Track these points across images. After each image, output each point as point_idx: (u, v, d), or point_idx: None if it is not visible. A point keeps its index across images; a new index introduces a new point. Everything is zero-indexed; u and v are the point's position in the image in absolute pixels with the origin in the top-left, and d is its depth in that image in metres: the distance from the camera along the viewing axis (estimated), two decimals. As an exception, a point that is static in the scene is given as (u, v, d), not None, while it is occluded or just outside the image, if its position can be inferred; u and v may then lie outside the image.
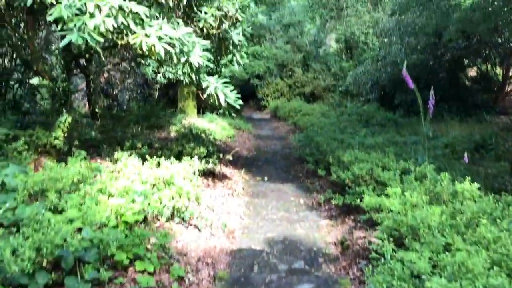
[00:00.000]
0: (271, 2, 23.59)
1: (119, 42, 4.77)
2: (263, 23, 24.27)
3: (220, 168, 8.04)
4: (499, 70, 17.67)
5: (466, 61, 17.09)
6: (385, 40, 20.48)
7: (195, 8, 5.72)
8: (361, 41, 23.19)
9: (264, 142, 13.09)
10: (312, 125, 13.27)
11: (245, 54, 6.44)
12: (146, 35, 4.49)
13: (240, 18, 6.04)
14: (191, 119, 14.36)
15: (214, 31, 5.86)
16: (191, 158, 6.38)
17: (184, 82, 7.08)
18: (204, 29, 5.73)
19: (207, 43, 5.31)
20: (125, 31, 4.53)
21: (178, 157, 7.07)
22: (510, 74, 17.36)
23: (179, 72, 5.19)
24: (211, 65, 5.56)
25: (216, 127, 12.60)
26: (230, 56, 6.41)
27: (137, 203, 4.06)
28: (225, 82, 5.49)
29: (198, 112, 15.69)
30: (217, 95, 5.30)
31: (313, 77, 22.07)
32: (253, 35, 6.48)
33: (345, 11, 24.75)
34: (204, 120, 14.09)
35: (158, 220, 4.51)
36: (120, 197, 4.09)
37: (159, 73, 11.30)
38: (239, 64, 6.38)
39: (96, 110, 11.68)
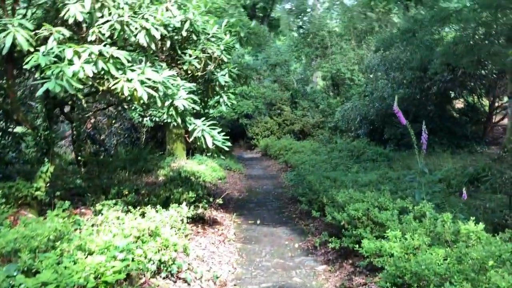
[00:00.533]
0: (257, 43, 23.96)
1: (100, 88, 4.59)
2: (250, 63, 24.62)
3: (211, 213, 7.74)
4: (485, 101, 17.85)
5: (452, 94, 17.22)
6: (371, 75, 20.76)
7: (179, 51, 5.60)
8: (347, 77, 23.45)
9: (256, 182, 12.83)
10: (303, 163, 13.09)
11: (233, 95, 6.30)
12: (127, 79, 4.32)
13: (225, 59, 5.93)
14: (180, 161, 14.10)
15: (200, 73, 5.73)
16: (179, 204, 6.10)
17: (172, 125, 6.90)
18: (189, 72, 5.60)
19: (192, 85, 5.16)
20: (106, 77, 4.36)
21: (166, 203, 6.78)
22: (496, 104, 17.54)
23: (165, 115, 4.97)
24: (197, 107, 5.38)
25: (206, 169, 12.34)
26: (217, 98, 6.25)
27: (119, 260, 3.75)
28: (212, 124, 5.30)
29: (188, 154, 15.44)
30: (204, 138, 5.09)
31: (302, 114, 22.10)
32: (240, 76, 6.34)
33: (330, 49, 25.15)
34: (193, 162, 13.83)
35: (143, 276, 4.18)
36: (101, 253, 3.78)
37: (145, 116, 11.13)
38: (226, 105, 6.23)
39: (82, 156, 11.42)
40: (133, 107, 11.12)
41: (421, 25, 12.96)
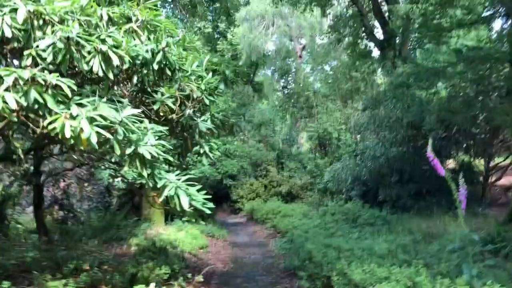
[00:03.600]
0: (241, 103, 23.32)
1: (37, 129, 3.38)
2: (237, 122, 23.75)
3: (189, 293, 6.29)
4: (480, 161, 17.06)
5: (447, 152, 16.40)
6: (359, 135, 20.03)
7: (148, 89, 4.49)
8: (334, 137, 22.72)
9: (242, 251, 11.37)
10: (294, 228, 11.81)
11: (215, 145, 5.14)
12: (71, 116, 3.14)
13: (207, 102, 4.83)
14: (158, 228, 12.66)
15: (175, 116, 4.58)
16: (146, 285, 4.71)
17: (147, 187, 5.65)
18: (161, 113, 4.45)
19: (163, 129, 3.99)
20: (41, 112, 3.17)
21: (131, 282, 5.37)
22: (491, 164, 16.74)
23: (127, 167, 3.74)
24: (170, 158, 4.18)
25: (185, 237, 10.92)
26: (197, 148, 5.07)
27: None
28: (190, 180, 4.08)
29: (166, 220, 13.98)
30: (179, 197, 3.85)
31: (289, 175, 21.00)
32: (224, 123, 5.21)
33: (316, 109, 24.63)
34: (172, 229, 12.39)
35: None
36: None
37: (117, 177, 9.82)
38: (207, 157, 5.03)
39: (42, 224, 9.93)
40: (103, 167, 9.81)
41: (415, 79, 12.28)
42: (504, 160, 17.02)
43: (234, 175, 18.68)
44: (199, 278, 6.22)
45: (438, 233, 10.51)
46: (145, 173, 3.72)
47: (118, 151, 3.50)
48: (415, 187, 14.84)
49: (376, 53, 24.20)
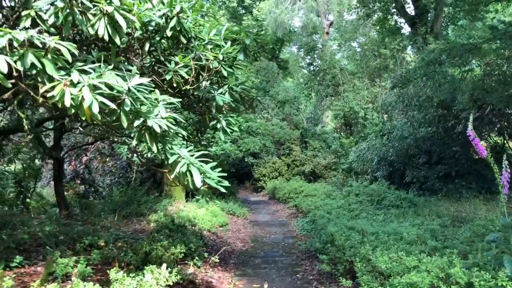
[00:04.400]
0: (266, 80, 22.84)
1: (38, 97, 3.13)
2: (257, 96, 23.32)
3: (206, 273, 6.08)
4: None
5: (479, 134, 15.68)
6: (387, 114, 19.39)
7: (161, 57, 4.17)
8: (360, 116, 22.10)
9: (262, 230, 11.16)
10: (316, 208, 11.49)
11: (234, 120, 4.81)
12: (71, 83, 2.86)
13: (225, 74, 4.50)
14: (178, 204, 12.55)
15: (189, 87, 4.26)
16: (159, 264, 4.51)
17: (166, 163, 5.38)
18: (174, 84, 4.14)
19: (176, 101, 3.69)
20: (39, 78, 2.91)
21: (144, 261, 5.18)
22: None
23: (135, 140, 3.46)
24: (183, 132, 3.90)
25: (205, 214, 10.75)
26: (213, 123, 4.75)
27: None
28: (205, 156, 3.78)
29: (187, 196, 13.87)
30: (191, 174, 3.56)
31: (313, 155, 20.58)
32: (244, 97, 4.88)
33: (342, 87, 23.96)
34: (192, 206, 12.26)
35: None
36: None
37: (136, 152, 9.64)
38: (225, 132, 4.71)
39: (63, 198, 9.91)
40: (120, 141, 9.68)
41: (448, 55, 11.60)
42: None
43: (256, 153, 18.40)
44: (215, 258, 5.99)
45: (468, 218, 10.05)
46: (154, 148, 3.44)
47: (125, 124, 3.23)
48: (444, 169, 14.28)
49: (406, 29, 23.29)
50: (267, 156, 20.40)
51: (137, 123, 3.30)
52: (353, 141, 20.92)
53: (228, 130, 4.73)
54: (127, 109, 3.18)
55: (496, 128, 15.84)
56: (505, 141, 16.15)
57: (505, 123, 15.47)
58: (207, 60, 4.26)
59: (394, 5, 21.90)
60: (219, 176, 3.92)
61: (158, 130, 3.32)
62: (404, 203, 12.15)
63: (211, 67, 4.35)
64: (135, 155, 10.11)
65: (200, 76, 4.35)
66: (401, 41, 23.57)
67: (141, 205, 11.94)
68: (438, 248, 4.43)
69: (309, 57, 26.78)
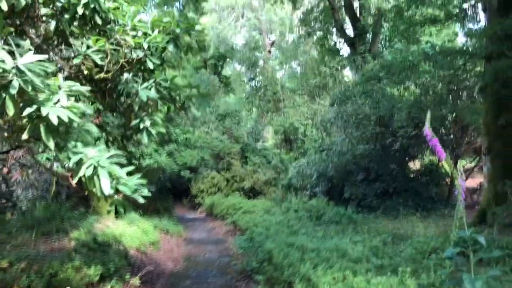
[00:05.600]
0: (204, 95, 22.27)
1: None
2: (195, 114, 22.66)
3: (126, 297, 5.33)
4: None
5: (414, 152, 16.00)
6: (326, 131, 19.46)
7: (70, 39, 3.51)
8: (300, 132, 22.10)
9: (197, 249, 10.46)
10: (255, 225, 10.97)
11: (160, 120, 4.18)
12: None
13: (151, 65, 3.90)
14: (107, 221, 11.55)
15: (103, 75, 3.61)
16: (65, 290, 3.75)
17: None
18: (85, 71, 3.48)
19: (84, 89, 3.03)
20: None
21: (50, 284, 4.38)
22: (458, 165, 16.46)
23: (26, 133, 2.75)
24: (93, 128, 3.24)
25: (135, 232, 9.89)
26: (136, 122, 4.10)
27: None
28: (115, 156, 3.14)
29: (116, 212, 12.84)
30: (99, 178, 2.91)
31: (253, 170, 20.15)
32: (174, 98, 4.29)
33: (283, 103, 23.93)
34: (122, 223, 11.32)
35: None
36: None
37: (57, 160, 8.67)
38: (149, 134, 4.08)
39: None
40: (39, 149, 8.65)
41: (387, 72, 11.69)
42: (471, 162, 16.85)
43: (194, 167, 17.69)
44: (135, 280, 5.26)
45: (406, 235, 9.95)
46: (51, 144, 2.76)
47: (11, 111, 2.54)
48: (381, 186, 14.35)
49: (346, 50, 23.79)
50: (206, 170, 19.72)
51: (28, 111, 2.62)
52: (293, 157, 20.81)
53: (154, 132, 4.10)
54: (13, 92, 2.49)
55: (431, 147, 16.24)
56: (439, 160, 16.58)
57: (440, 142, 15.91)
58: (129, 47, 3.63)
59: (334, 24, 22.31)
60: (137, 184, 3.29)
61: (55, 121, 2.65)
62: (344, 220, 11.95)
63: (134, 56, 3.73)
64: (57, 162, 9.15)
65: (119, 65, 3.72)
66: (340, 61, 24.03)
67: (64, 221, 10.84)
68: (384, 266, 4.05)
69: (250, 72, 26.60)
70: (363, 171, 14.86)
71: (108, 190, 2.89)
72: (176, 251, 9.99)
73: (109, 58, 3.48)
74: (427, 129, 2.72)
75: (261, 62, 27.12)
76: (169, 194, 17.72)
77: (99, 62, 3.41)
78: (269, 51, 31.28)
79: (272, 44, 31.77)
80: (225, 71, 35.59)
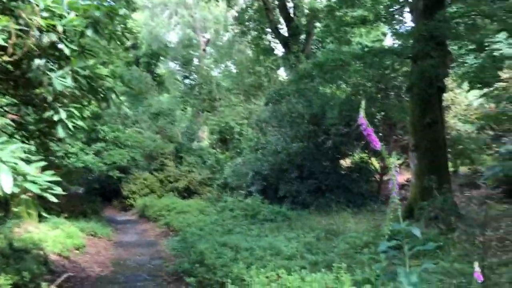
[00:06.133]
0: (137, 93, 21.55)
1: None
2: (128, 113, 21.88)
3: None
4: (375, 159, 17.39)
5: (346, 149, 16.42)
6: (262, 130, 19.49)
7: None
8: (236, 132, 21.98)
9: (127, 252, 9.96)
10: (189, 225, 10.67)
11: (77, 112, 3.80)
12: None
13: (67, 52, 3.52)
14: (28, 226, 10.71)
15: (7, 59, 3.20)
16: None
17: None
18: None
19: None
20: None
21: None
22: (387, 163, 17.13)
23: None
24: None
25: (58, 236, 9.22)
26: (49, 113, 3.69)
27: None
28: (17, 149, 2.75)
29: (40, 216, 11.95)
30: (-1, 175, 2.52)
31: (188, 170, 19.72)
32: (95, 88, 3.93)
33: (218, 102, 23.69)
34: (45, 227, 10.54)
35: None
36: None
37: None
38: (65, 128, 3.69)
39: None
40: None
41: (320, 70, 11.83)
42: (398, 159, 17.56)
43: (124, 167, 16.96)
44: (53, 289, 4.82)
45: (339, 231, 10.14)
46: None
47: None
48: (314, 183, 14.59)
49: (280, 49, 23.98)
50: (138, 171, 19.01)
51: None
52: (229, 156, 20.64)
53: (70, 125, 3.71)
54: None
55: (361, 145, 16.77)
56: (369, 157, 17.14)
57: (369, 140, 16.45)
58: (39, 29, 3.25)
59: (268, 24, 22.40)
60: (50, 182, 2.93)
61: None
62: (278, 217, 12.00)
63: (45, 41, 3.34)
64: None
65: (27, 49, 3.32)
66: (275, 60, 24.22)
67: (-23, 227, 9.89)
68: (319, 263, 3.96)
69: (185, 70, 26.08)
70: (297, 169, 15.02)
71: (9, 188, 2.51)
72: (104, 255, 9.44)
73: (13, 39, 3.08)
74: (362, 118, 2.61)
75: (195, 61, 26.69)
76: (98, 195, 16.84)
77: (1, 42, 3.00)
78: (204, 50, 30.89)
79: (207, 42, 31.39)
80: (159, 69, 34.77)
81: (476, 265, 2.36)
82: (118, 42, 4.43)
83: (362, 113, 2.61)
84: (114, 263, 8.60)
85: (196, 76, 24.60)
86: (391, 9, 12.71)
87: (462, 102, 17.86)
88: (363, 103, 2.75)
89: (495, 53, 16.08)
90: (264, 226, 10.28)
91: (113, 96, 4.26)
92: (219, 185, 18.17)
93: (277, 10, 22.08)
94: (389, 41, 22.97)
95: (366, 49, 11.74)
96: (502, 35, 16.15)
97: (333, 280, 2.95)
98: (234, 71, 26.32)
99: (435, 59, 9.73)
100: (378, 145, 2.55)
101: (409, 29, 11.73)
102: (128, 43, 32.44)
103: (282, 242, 5.66)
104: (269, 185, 15.40)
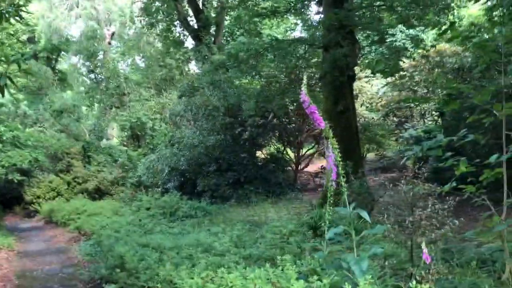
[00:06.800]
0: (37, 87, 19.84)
1: None
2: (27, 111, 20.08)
3: None
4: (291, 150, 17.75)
5: (262, 141, 16.53)
6: (176, 124, 18.97)
7: None
8: (148, 127, 21.14)
9: (34, 262, 9.05)
10: (102, 228, 9.97)
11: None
12: None
13: None
14: None
15: None
16: None
17: None
18: None
19: None
20: None
21: None
22: (302, 153, 17.58)
23: None
24: None
25: None
26: None
27: None
28: None
29: None
30: None
31: (97, 170, 18.58)
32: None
33: (128, 96, 22.63)
34: None
35: None
36: None
37: None
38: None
39: None
40: None
41: (235, 60, 11.68)
42: (310, 149, 18.09)
43: (26, 170, 15.47)
44: None
45: (261, 221, 10.12)
46: None
47: None
48: (233, 175, 14.52)
49: (191, 41, 23.45)
50: (42, 173, 17.52)
51: None
52: (142, 153, 19.81)
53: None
54: None
55: (277, 136, 17.01)
56: (284, 148, 17.44)
57: (284, 131, 16.73)
58: None
59: (177, 16, 21.82)
60: None
61: None
62: (199, 213, 11.76)
63: None
64: None
65: None
66: (186, 53, 23.69)
67: None
68: (252, 255, 3.78)
69: (90, 64, 24.51)
70: (215, 162, 14.82)
71: None
72: (7, 268, 8.47)
73: None
74: (304, 95, 2.42)
75: (101, 54, 25.23)
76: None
77: None
78: (109, 43, 29.29)
79: (112, 35, 29.80)
80: (61, 64, 32.36)
81: (423, 246, 2.32)
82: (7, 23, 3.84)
83: (304, 90, 2.42)
84: (19, 276, 7.73)
85: (102, 70, 23.21)
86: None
87: (368, 91, 18.85)
88: (305, 78, 2.59)
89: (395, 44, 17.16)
90: (185, 223, 9.95)
91: (8, 82, 3.69)
92: (133, 183, 17.37)
93: (186, 1, 21.57)
94: (298, 33, 23.47)
95: (279, 39, 11.82)
96: (400, 28, 17.29)
97: (279, 275, 2.74)
98: (143, 64, 25.32)
99: (346, 48, 10.02)
100: (322, 124, 2.39)
101: (318, 20, 11.99)
102: (24, 37, 29.76)
103: (209, 238, 5.40)
104: (187, 180, 15.02)
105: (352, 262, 2.23)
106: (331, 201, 2.72)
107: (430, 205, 3.85)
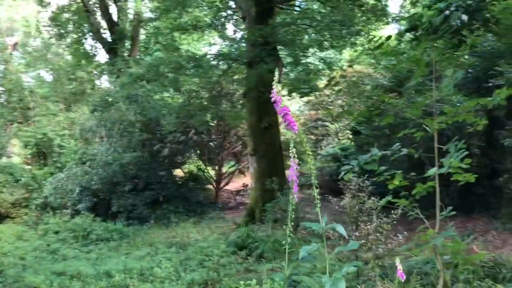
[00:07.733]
0: None
1: None
2: None
3: None
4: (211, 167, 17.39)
5: (182, 158, 16.01)
6: (88, 140, 17.78)
7: None
8: (56, 144, 19.58)
9: None
10: (4, 255, 8.85)
11: None
12: None
13: None
14: None
15: None
16: None
17: None
18: None
19: None
20: None
21: None
22: (224, 170, 17.31)
23: None
24: None
25: None
26: None
27: None
28: None
29: None
30: None
31: (-5, 191, 16.71)
32: None
33: (33, 111, 20.85)
34: None
35: None
36: None
37: None
38: None
39: None
40: None
41: (155, 73, 11.20)
42: (231, 167, 17.89)
43: None
44: None
45: (184, 242, 9.56)
46: None
47: None
48: (151, 194, 13.80)
49: (103, 54, 22.35)
50: None
51: None
52: (48, 172, 18.22)
53: None
54: None
55: (198, 153, 16.58)
56: (205, 165, 17.01)
57: (205, 148, 16.37)
58: None
59: (90, 28, 20.74)
60: None
61: None
62: (115, 235, 10.98)
63: None
64: None
65: None
66: (98, 66, 22.52)
67: None
68: (195, 281, 3.41)
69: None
70: (131, 180, 14.01)
71: None
72: None
73: None
74: (275, 93, 2.14)
75: (1, 65, 23.13)
76: None
77: None
78: (11, 54, 27.04)
79: (15, 45, 27.57)
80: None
81: (397, 262, 2.17)
82: None
83: (275, 88, 2.15)
84: None
85: (3, 82, 21.23)
86: (223, 14, 12.82)
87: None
88: (276, 74, 2.34)
89: (309, 66, 17.62)
90: (100, 247, 9.17)
91: None
92: (38, 205, 15.84)
93: (99, 13, 20.59)
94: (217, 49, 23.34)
95: (201, 53, 11.59)
96: (314, 50, 17.86)
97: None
98: (51, 77, 23.61)
99: (270, 64, 10.04)
100: (295, 127, 2.14)
101: (241, 35, 11.96)
102: None
103: (138, 262, 4.88)
104: (100, 201, 14.00)
105: (328, 284, 2.00)
106: (292, 216, 2.46)
107: (375, 219, 3.76)
